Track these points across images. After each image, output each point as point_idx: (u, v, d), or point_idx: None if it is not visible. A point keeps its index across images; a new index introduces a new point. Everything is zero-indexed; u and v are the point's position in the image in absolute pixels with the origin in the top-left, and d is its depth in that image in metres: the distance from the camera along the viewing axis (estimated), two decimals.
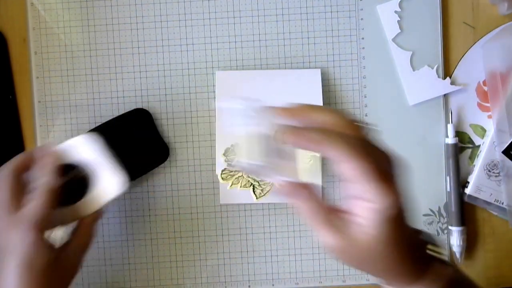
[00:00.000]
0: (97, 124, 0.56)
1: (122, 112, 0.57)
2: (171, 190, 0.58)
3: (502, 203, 0.57)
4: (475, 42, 0.58)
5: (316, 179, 0.57)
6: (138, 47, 0.58)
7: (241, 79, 0.57)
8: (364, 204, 0.33)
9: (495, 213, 0.58)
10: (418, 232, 0.38)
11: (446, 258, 0.38)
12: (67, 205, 0.49)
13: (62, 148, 0.49)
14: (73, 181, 0.49)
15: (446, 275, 0.37)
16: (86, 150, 0.49)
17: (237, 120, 0.35)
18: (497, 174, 0.57)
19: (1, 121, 0.57)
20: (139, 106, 0.57)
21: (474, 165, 0.58)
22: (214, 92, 0.57)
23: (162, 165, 0.55)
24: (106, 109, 0.58)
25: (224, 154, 0.56)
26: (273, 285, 0.58)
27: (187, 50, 0.58)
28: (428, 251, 0.37)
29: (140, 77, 0.58)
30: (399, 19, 0.57)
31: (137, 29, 0.57)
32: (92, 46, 0.58)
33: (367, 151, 0.33)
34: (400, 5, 0.57)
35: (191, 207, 0.58)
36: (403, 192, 0.34)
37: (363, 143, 0.34)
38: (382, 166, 0.33)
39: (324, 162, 0.58)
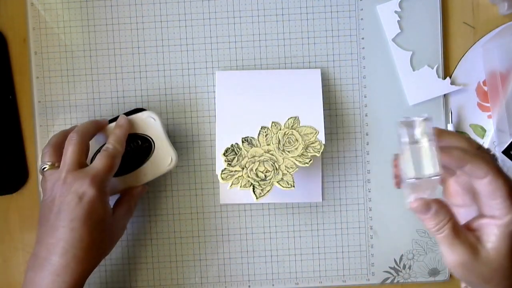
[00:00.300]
0: None
1: (122, 112, 0.57)
2: (171, 190, 0.58)
3: None
4: (475, 42, 0.58)
5: (316, 179, 0.57)
6: (138, 47, 0.58)
7: (241, 79, 0.57)
8: (488, 221, 0.36)
9: None
10: None
11: None
12: (119, 174, 0.52)
13: (130, 120, 0.53)
14: (130, 152, 0.53)
15: None
16: (148, 125, 0.54)
17: (412, 135, 0.37)
18: None
19: (1, 121, 0.57)
20: (139, 106, 0.57)
21: None
22: (214, 92, 0.57)
23: (172, 169, 0.55)
24: (106, 109, 0.58)
25: (224, 154, 0.56)
26: (273, 285, 0.58)
27: (187, 50, 0.58)
28: None
29: (140, 77, 0.58)
30: (399, 19, 0.57)
31: (137, 29, 0.58)
32: (92, 46, 0.58)
33: (499, 170, 0.36)
34: (400, 5, 0.57)
35: (191, 207, 0.58)
36: None
37: (494, 163, 0.37)
38: (510, 185, 0.36)
39: (324, 162, 0.58)
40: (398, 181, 0.40)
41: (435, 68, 0.57)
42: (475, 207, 0.38)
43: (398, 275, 0.58)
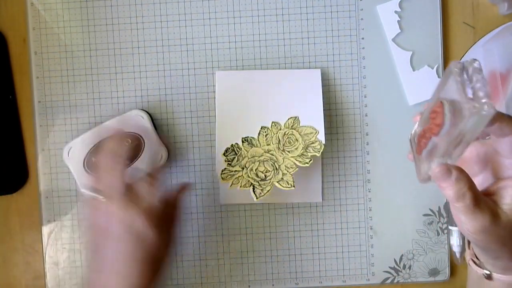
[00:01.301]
0: (97, 124, 0.56)
1: (122, 112, 0.57)
2: (171, 190, 0.58)
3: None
4: (475, 42, 0.58)
5: (316, 180, 0.57)
6: (138, 47, 0.58)
7: (241, 79, 0.57)
8: (508, 183, 0.36)
9: None
10: None
11: None
12: None
13: (119, 119, 0.54)
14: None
15: None
16: (137, 123, 0.55)
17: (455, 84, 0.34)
18: None
19: (1, 121, 0.57)
20: (139, 106, 0.57)
21: None
22: (214, 92, 0.57)
23: (163, 165, 0.55)
24: (106, 109, 0.58)
25: (224, 154, 0.56)
26: (273, 285, 0.58)
27: (187, 50, 0.58)
28: None
29: (140, 77, 0.58)
30: (399, 19, 0.57)
31: (137, 29, 0.57)
32: (92, 46, 0.58)
33: None
34: (400, 5, 0.57)
35: (191, 207, 0.58)
36: None
37: None
38: None
39: (324, 162, 0.58)
40: (420, 149, 0.38)
41: (435, 68, 0.57)
42: (487, 175, 0.38)
43: (398, 275, 0.58)
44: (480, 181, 0.39)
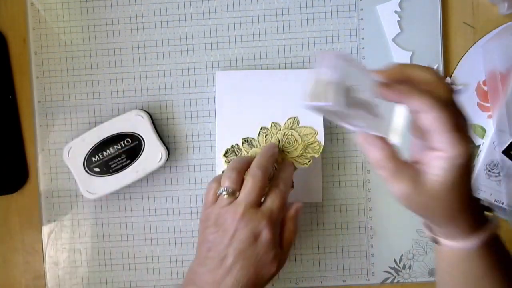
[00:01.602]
0: (97, 124, 0.56)
1: (122, 112, 0.57)
2: (171, 190, 0.58)
3: (502, 203, 0.57)
4: (475, 42, 0.58)
5: (316, 180, 0.57)
6: (138, 47, 0.58)
7: (241, 79, 0.57)
8: (435, 154, 0.37)
9: (495, 213, 0.58)
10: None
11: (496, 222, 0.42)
12: (111, 173, 0.55)
13: (119, 119, 0.55)
14: (120, 151, 0.55)
15: (497, 236, 0.42)
16: (137, 123, 0.55)
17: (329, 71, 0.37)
18: (497, 174, 0.57)
19: (1, 121, 0.57)
20: (139, 106, 0.58)
21: (474, 165, 0.58)
22: (214, 92, 0.57)
23: (162, 165, 0.55)
24: (106, 109, 0.58)
25: (224, 155, 0.56)
26: (273, 285, 0.58)
27: (187, 50, 0.58)
28: (490, 218, 0.41)
29: (140, 77, 0.58)
30: (399, 19, 0.57)
31: (137, 29, 0.58)
32: (92, 46, 0.58)
33: (446, 104, 0.36)
34: (400, 5, 0.57)
35: (191, 207, 0.58)
36: (471, 146, 0.37)
37: (444, 97, 0.37)
38: (457, 119, 0.36)
39: (324, 162, 0.58)
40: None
41: (435, 68, 0.57)
42: (423, 143, 0.39)
43: (398, 275, 0.58)
44: (419, 147, 0.40)
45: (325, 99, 0.36)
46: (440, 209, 0.39)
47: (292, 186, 0.55)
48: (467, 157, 0.37)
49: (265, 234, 0.47)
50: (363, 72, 0.39)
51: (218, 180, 0.50)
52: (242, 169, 0.50)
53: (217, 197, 0.49)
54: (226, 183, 0.49)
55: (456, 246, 0.42)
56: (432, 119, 0.36)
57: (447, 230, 0.42)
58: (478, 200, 0.42)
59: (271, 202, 0.48)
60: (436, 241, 0.44)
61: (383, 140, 0.39)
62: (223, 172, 0.51)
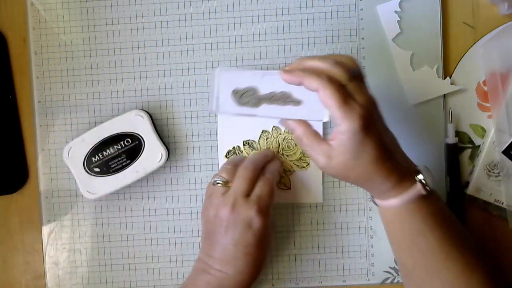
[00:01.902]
0: (97, 124, 0.56)
1: (122, 112, 0.57)
2: (171, 190, 0.58)
3: (502, 203, 0.57)
4: (475, 42, 0.58)
5: (317, 181, 0.57)
6: (138, 47, 0.58)
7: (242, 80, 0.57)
8: (335, 128, 0.43)
9: (495, 213, 0.58)
10: (404, 160, 0.47)
11: (429, 188, 0.46)
12: (111, 173, 0.55)
13: (119, 119, 0.55)
14: (120, 151, 0.55)
15: (432, 196, 0.47)
16: (136, 123, 0.55)
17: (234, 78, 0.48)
18: (497, 174, 0.57)
19: (1, 121, 0.57)
20: (139, 106, 0.58)
21: (474, 165, 0.58)
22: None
23: (162, 165, 0.55)
24: (106, 109, 0.58)
25: (226, 156, 0.56)
26: (273, 285, 0.58)
27: (187, 50, 0.58)
28: (416, 179, 0.46)
29: (140, 77, 0.58)
30: (399, 19, 0.57)
31: (137, 29, 0.57)
32: (92, 46, 0.58)
33: (334, 83, 0.43)
34: (400, 5, 0.57)
35: (191, 207, 0.58)
36: (367, 109, 0.43)
37: (335, 78, 0.43)
38: (345, 95, 0.42)
39: None
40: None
41: (435, 68, 0.57)
42: None
43: (398, 275, 0.58)
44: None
45: (216, 109, 0.48)
46: (353, 175, 0.45)
47: (290, 188, 0.55)
48: (359, 128, 0.42)
49: (256, 221, 0.49)
50: (256, 74, 0.48)
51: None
52: (238, 163, 0.52)
53: (214, 189, 0.52)
54: (221, 174, 0.52)
55: (385, 205, 0.47)
56: (323, 96, 0.42)
57: (373, 192, 0.48)
58: (401, 162, 0.46)
59: (260, 189, 0.50)
60: (374, 202, 0.50)
61: (302, 122, 0.46)
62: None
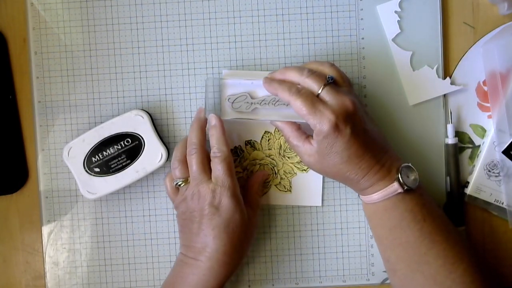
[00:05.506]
0: (97, 124, 0.56)
1: (122, 112, 0.57)
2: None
3: (502, 203, 0.57)
4: (475, 42, 0.58)
5: (317, 184, 0.57)
6: (138, 47, 0.58)
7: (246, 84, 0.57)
8: (314, 133, 0.48)
9: (495, 213, 0.58)
10: (384, 155, 0.50)
11: (412, 186, 0.49)
12: (111, 173, 0.55)
13: (119, 119, 0.55)
14: (120, 151, 0.55)
15: (417, 193, 0.50)
16: (137, 123, 0.55)
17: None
18: (497, 174, 0.57)
19: (1, 121, 0.57)
20: (139, 106, 0.58)
21: (474, 165, 0.58)
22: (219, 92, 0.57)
23: (162, 165, 0.55)
24: (106, 109, 0.58)
25: None
26: (273, 285, 0.58)
27: (187, 50, 0.58)
28: (398, 176, 0.49)
29: (140, 77, 0.58)
30: (399, 19, 0.57)
31: (137, 29, 0.57)
32: (92, 46, 0.58)
33: (302, 95, 0.48)
34: (400, 5, 0.57)
35: None
36: (337, 114, 0.47)
37: (304, 91, 0.49)
38: (312, 102, 0.48)
39: None
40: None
41: (435, 68, 0.57)
42: None
43: None
44: None
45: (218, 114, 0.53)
46: (330, 173, 0.50)
47: (291, 191, 0.55)
48: (327, 131, 0.47)
49: (224, 201, 0.50)
50: (247, 81, 0.54)
51: (170, 175, 0.54)
52: (184, 156, 0.53)
53: (177, 189, 0.54)
54: (177, 174, 0.53)
55: (366, 200, 0.51)
56: (294, 107, 0.48)
57: (353, 188, 0.52)
58: (381, 161, 0.49)
59: (216, 170, 0.51)
60: (359, 196, 0.53)
61: (289, 123, 0.51)
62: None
